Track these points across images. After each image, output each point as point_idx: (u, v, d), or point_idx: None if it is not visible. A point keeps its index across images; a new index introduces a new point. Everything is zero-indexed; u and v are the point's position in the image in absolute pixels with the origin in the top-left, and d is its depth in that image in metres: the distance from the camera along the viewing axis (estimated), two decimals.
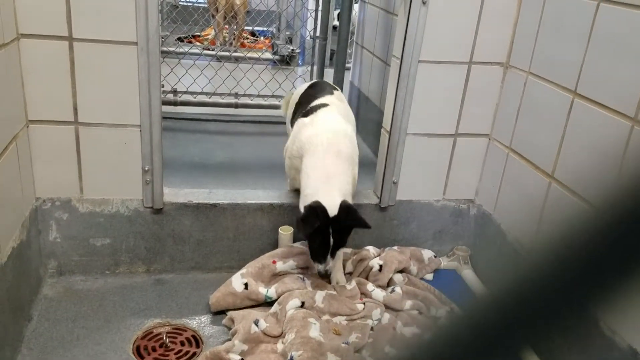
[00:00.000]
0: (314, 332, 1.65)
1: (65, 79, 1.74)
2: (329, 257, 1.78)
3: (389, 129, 2.06)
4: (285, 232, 2.02)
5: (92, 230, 1.92)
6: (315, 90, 2.18)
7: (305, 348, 1.57)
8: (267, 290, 1.85)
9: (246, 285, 1.85)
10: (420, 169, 2.12)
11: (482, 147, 2.14)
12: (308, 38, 4.61)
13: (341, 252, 1.91)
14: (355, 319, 1.80)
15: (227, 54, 4.11)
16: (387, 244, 2.17)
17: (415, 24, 1.91)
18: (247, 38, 5.45)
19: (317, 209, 1.73)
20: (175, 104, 3.31)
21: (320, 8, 3.69)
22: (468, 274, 2.17)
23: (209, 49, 4.43)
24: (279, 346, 1.65)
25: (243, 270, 1.90)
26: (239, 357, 1.59)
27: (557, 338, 0.33)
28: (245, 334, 1.66)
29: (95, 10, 1.68)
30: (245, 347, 1.63)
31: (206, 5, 5.03)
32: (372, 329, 1.78)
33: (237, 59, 3.87)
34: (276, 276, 1.91)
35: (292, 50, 4.69)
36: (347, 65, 3.32)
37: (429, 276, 2.12)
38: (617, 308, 0.31)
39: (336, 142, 1.85)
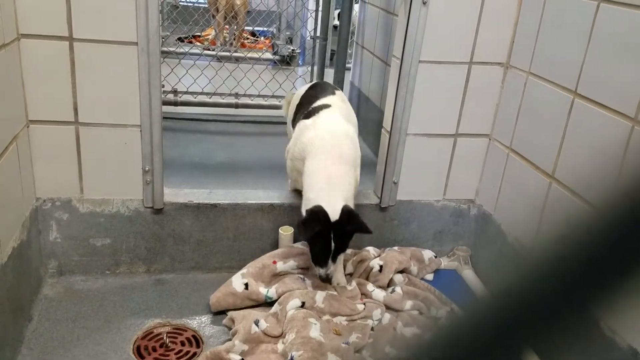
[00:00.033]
0: (315, 332, 1.65)
1: (66, 79, 1.74)
2: (330, 261, 1.77)
3: (389, 129, 2.06)
4: (286, 232, 2.02)
5: (93, 230, 1.92)
6: (316, 91, 2.16)
7: (306, 348, 1.57)
8: (268, 291, 1.85)
9: (246, 285, 1.85)
10: (420, 169, 2.12)
11: (483, 148, 2.14)
12: (308, 38, 4.61)
13: (342, 257, 1.90)
14: (355, 319, 1.80)
15: (227, 54, 4.11)
16: (388, 244, 2.17)
17: (415, 24, 1.91)
18: (248, 38, 5.45)
19: (318, 213, 1.72)
20: (175, 104, 3.31)
21: (320, 8, 3.69)
22: (468, 274, 2.17)
23: (209, 49, 4.43)
24: (280, 346, 1.65)
25: (243, 270, 1.90)
26: (240, 357, 1.59)
27: (557, 338, 0.33)
28: (245, 334, 1.66)
29: (95, 10, 1.68)
30: (245, 347, 1.63)
31: (206, 6, 5.03)
32: (372, 329, 1.78)
33: (237, 59, 3.86)
34: (277, 276, 1.91)
35: (293, 50, 4.70)
36: (347, 65, 3.32)
37: (430, 276, 2.12)
38: (618, 308, 0.31)
39: (338, 145, 1.85)
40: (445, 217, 2.21)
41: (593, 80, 1.60)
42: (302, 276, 1.91)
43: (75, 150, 1.82)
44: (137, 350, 1.65)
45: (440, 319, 1.89)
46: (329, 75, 3.35)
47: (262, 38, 5.49)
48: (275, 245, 2.06)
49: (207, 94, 3.40)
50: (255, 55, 4.16)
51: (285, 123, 2.47)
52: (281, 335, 1.70)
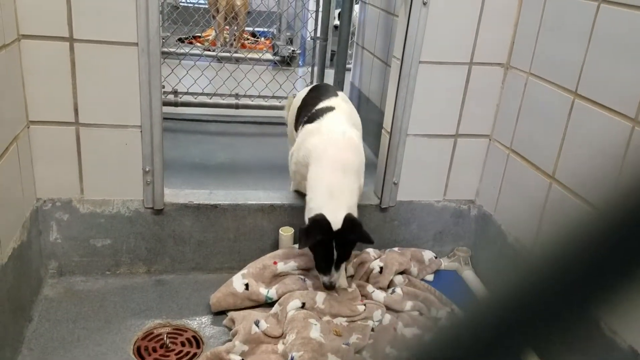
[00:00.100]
0: (315, 332, 1.64)
1: (66, 79, 1.74)
2: (333, 269, 1.77)
3: (389, 130, 2.06)
4: (286, 233, 2.02)
5: (93, 231, 1.92)
6: (318, 93, 2.14)
7: (306, 349, 1.57)
8: (268, 291, 1.85)
9: (247, 285, 1.85)
10: (420, 170, 2.12)
11: (483, 148, 2.14)
12: (309, 39, 4.61)
13: (345, 266, 1.89)
14: (356, 320, 1.80)
15: (227, 54, 4.11)
16: (388, 245, 2.17)
17: (415, 25, 1.91)
18: (248, 39, 5.46)
19: (320, 222, 1.72)
20: (176, 104, 3.31)
21: (320, 9, 3.69)
22: (469, 274, 2.16)
23: (209, 50, 4.43)
24: (280, 347, 1.65)
25: (244, 271, 1.90)
26: (240, 358, 1.59)
27: (558, 339, 0.32)
28: (245, 334, 1.66)
29: (96, 11, 1.68)
30: (245, 347, 1.63)
31: (207, 6, 5.03)
32: (372, 329, 1.78)
33: (237, 60, 3.87)
34: (277, 277, 1.91)
35: (293, 51, 4.70)
36: (347, 66, 3.32)
37: (430, 277, 2.12)
38: (618, 309, 0.31)
39: (342, 152, 1.83)
40: (445, 217, 2.21)
41: (593, 81, 1.60)
42: (302, 277, 1.91)
43: (75, 150, 1.82)
44: (137, 351, 1.65)
45: (441, 320, 1.89)
46: (329, 76, 3.35)
47: (263, 39, 5.49)
48: (275, 246, 2.06)
49: (207, 94, 3.40)
50: (255, 56, 4.16)
51: (285, 124, 2.47)
52: (281, 336, 1.70)
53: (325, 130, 1.89)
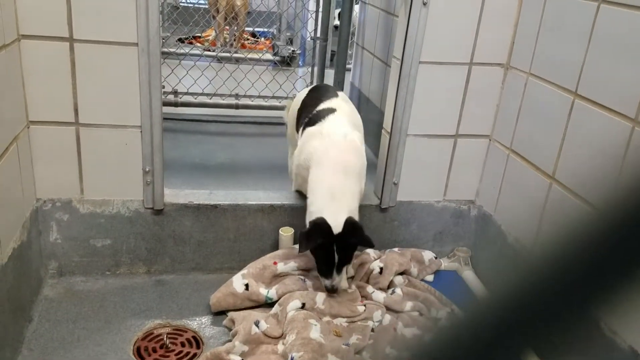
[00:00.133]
0: (315, 333, 1.64)
1: (66, 79, 1.74)
2: (335, 273, 1.77)
3: (389, 130, 2.06)
4: (286, 233, 2.02)
5: (93, 231, 1.92)
6: (318, 94, 2.13)
7: (306, 349, 1.57)
8: (268, 291, 1.85)
9: (247, 285, 1.85)
10: (420, 170, 2.12)
11: (483, 148, 2.14)
12: (309, 39, 4.61)
13: (346, 268, 1.88)
14: (356, 321, 1.80)
15: (227, 55, 4.11)
16: (388, 245, 2.17)
17: (415, 25, 1.91)
18: (248, 39, 5.46)
19: (321, 225, 1.72)
20: (176, 105, 3.31)
21: (320, 9, 3.69)
22: (469, 275, 2.16)
23: (209, 50, 4.43)
24: (280, 347, 1.65)
25: (244, 271, 1.90)
26: (240, 358, 1.59)
27: (558, 339, 0.32)
28: (245, 334, 1.66)
29: (96, 11, 1.68)
30: (245, 348, 1.63)
31: (207, 7, 5.04)
32: (372, 330, 1.78)
33: (237, 60, 3.87)
34: (277, 277, 1.91)
35: (293, 51, 4.70)
36: (347, 66, 3.32)
37: (430, 277, 2.11)
38: (618, 309, 0.31)
39: (343, 156, 1.83)
40: (445, 217, 2.21)
41: (593, 81, 1.60)
42: (302, 277, 1.91)
43: (75, 151, 1.82)
44: (137, 351, 1.65)
45: (441, 320, 1.89)
46: (329, 76, 3.35)
47: (263, 39, 5.50)
48: (275, 246, 2.06)
49: (207, 94, 3.40)
50: (255, 56, 4.16)
51: (285, 124, 2.47)
52: (281, 336, 1.70)
53: (326, 133, 1.88)
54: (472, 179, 2.18)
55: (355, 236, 1.74)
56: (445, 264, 2.20)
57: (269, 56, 4.59)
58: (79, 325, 1.73)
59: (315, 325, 1.68)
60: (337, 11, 3.73)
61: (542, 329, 0.32)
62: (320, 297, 1.82)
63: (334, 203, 1.75)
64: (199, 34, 5.22)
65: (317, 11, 3.94)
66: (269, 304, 1.84)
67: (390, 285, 1.98)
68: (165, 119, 1.89)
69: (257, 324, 1.70)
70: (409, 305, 1.88)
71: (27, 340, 1.64)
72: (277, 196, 2.10)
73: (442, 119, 2.07)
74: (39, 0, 1.64)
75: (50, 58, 1.70)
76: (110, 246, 1.95)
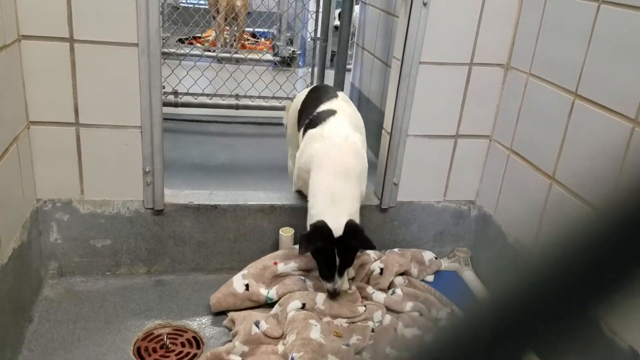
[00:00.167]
0: (315, 333, 1.64)
1: (66, 80, 1.74)
2: (336, 276, 1.77)
3: (389, 130, 2.06)
4: (286, 233, 2.02)
5: (93, 232, 1.92)
6: (318, 94, 2.12)
7: (306, 349, 1.57)
8: (268, 292, 1.85)
9: (247, 286, 1.85)
10: (421, 170, 2.12)
11: (483, 149, 2.14)
12: (309, 39, 4.61)
13: (347, 271, 1.88)
14: (356, 321, 1.80)
15: (227, 55, 4.12)
16: (388, 245, 2.17)
17: (416, 26, 1.91)
18: (248, 39, 5.46)
19: (322, 228, 1.71)
20: (176, 105, 3.31)
21: (320, 9, 3.69)
22: (469, 275, 2.16)
23: (209, 51, 4.44)
24: (280, 347, 1.65)
25: (244, 271, 1.90)
26: (240, 359, 1.59)
27: (558, 339, 0.32)
28: (246, 335, 1.66)
29: (96, 11, 1.69)
30: (246, 348, 1.63)
31: (207, 7, 5.04)
32: (372, 330, 1.78)
33: (237, 61, 3.87)
34: (277, 277, 1.91)
35: (293, 51, 4.70)
36: (347, 66, 3.32)
37: (430, 278, 2.11)
38: (618, 310, 0.31)
39: (344, 159, 1.82)
40: (445, 218, 2.21)
41: (593, 82, 1.60)
42: (302, 278, 1.91)
43: (75, 151, 1.82)
44: (138, 352, 1.65)
45: (441, 320, 1.89)
46: (330, 77, 3.35)
47: (263, 39, 5.50)
48: (275, 246, 2.06)
49: (207, 95, 3.40)
50: (255, 56, 4.16)
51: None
52: (281, 337, 1.70)
53: (327, 135, 1.87)
54: (472, 180, 2.18)
55: (356, 239, 1.74)
56: (445, 264, 2.20)
57: (269, 57, 4.59)
58: (79, 325, 1.73)
59: (316, 325, 1.68)
60: (337, 11, 3.73)
61: (542, 330, 0.32)
62: (321, 297, 1.82)
63: (335, 206, 1.75)
64: (199, 35, 5.23)
65: (317, 11, 3.95)
66: (269, 304, 1.84)
67: (391, 285, 1.98)
68: (165, 119, 1.89)
69: (257, 324, 1.70)
70: (409, 305, 1.88)
71: (27, 341, 1.64)
72: (277, 196, 2.10)
73: (443, 120, 2.07)
74: (39, 1, 1.64)
75: (51, 58, 1.70)
76: (110, 246, 1.95)
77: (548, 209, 1.77)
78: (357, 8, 3.49)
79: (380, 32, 2.90)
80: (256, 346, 1.66)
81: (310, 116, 1.99)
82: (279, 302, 1.81)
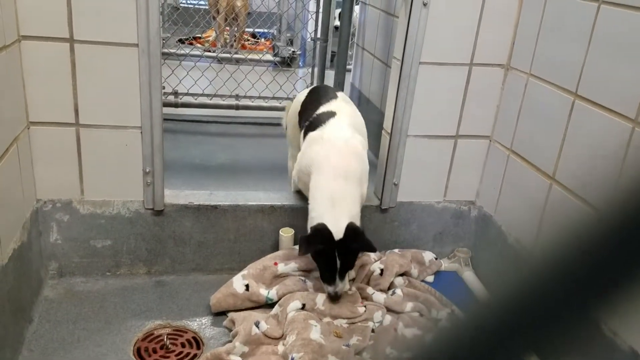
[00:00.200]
0: (315, 334, 1.64)
1: (66, 80, 1.74)
2: (337, 279, 1.77)
3: (389, 131, 2.06)
4: (286, 234, 2.02)
5: (93, 232, 1.92)
6: (318, 95, 2.11)
7: (306, 350, 1.57)
8: (268, 292, 1.85)
9: (247, 286, 1.85)
10: (421, 171, 2.12)
11: (483, 149, 2.14)
12: (309, 40, 4.61)
13: (348, 273, 1.88)
14: (356, 322, 1.80)
15: (228, 55, 4.12)
16: (388, 246, 2.17)
17: (416, 26, 1.91)
18: (248, 40, 5.46)
19: (322, 231, 1.71)
20: (176, 105, 3.31)
21: (321, 10, 3.69)
22: (469, 275, 2.16)
23: (209, 51, 4.44)
24: (280, 348, 1.65)
25: (244, 272, 1.90)
26: (240, 359, 1.59)
27: (558, 340, 0.32)
28: (246, 335, 1.66)
29: (96, 12, 1.69)
30: (246, 348, 1.63)
31: (207, 7, 5.04)
32: (373, 331, 1.78)
33: (238, 61, 3.87)
34: (277, 278, 1.91)
35: (293, 52, 4.70)
36: (347, 67, 3.32)
37: (430, 278, 2.11)
38: (619, 310, 0.31)
39: (345, 161, 1.81)
40: (445, 218, 2.21)
41: (593, 82, 1.60)
42: (303, 278, 1.91)
43: (75, 151, 1.82)
44: (138, 352, 1.65)
45: (441, 321, 1.89)
46: (330, 77, 3.35)
47: (263, 40, 5.50)
48: (275, 246, 2.06)
49: (207, 95, 3.40)
50: (255, 56, 4.16)
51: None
52: (282, 337, 1.69)
53: (327, 137, 1.86)
54: (472, 180, 2.18)
55: (356, 242, 1.74)
56: (445, 264, 2.20)
57: (269, 57, 4.59)
58: (79, 326, 1.73)
59: (316, 326, 1.68)
60: (337, 12, 3.73)
61: (543, 331, 0.32)
62: (321, 298, 1.82)
63: (335, 209, 1.74)
64: (199, 35, 5.23)
65: (317, 12, 3.94)
66: (269, 304, 1.84)
67: (391, 286, 1.98)
68: (165, 119, 1.89)
69: (257, 324, 1.70)
70: (409, 306, 1.87)
71: (28, 341, 1.64)
72: (277, 197, 2.10)
73: (443, 120, 2.07)
74: (40, 1, 1.64)
75: (51, 59, 1.70)
76: (110, 247, 1.95)
77: (548, 210, 1.77)
78: (357, 8, 3.49)
79: (381, 33, 2.90)
80: (256, 346, 1.66)
81: (310, 118, 1.98)
82: (279, 302, 1.81)
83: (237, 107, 3.40)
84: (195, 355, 1.66)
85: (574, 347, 0.32)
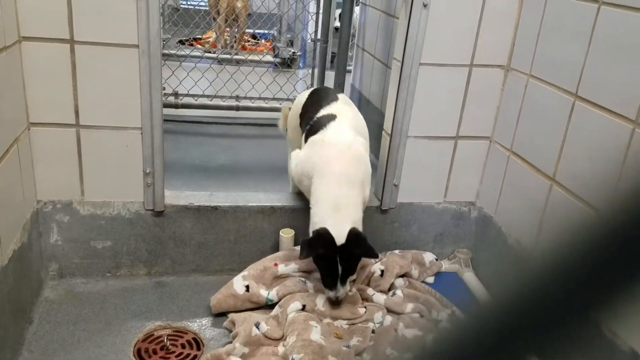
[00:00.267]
0: (315, 335, 1.64)
1: (67, 81, 1.74)
2: (339, 284, 1.76)
3: (390, 132, 2.06)
4: (286, 234, 2.02)
5: (93, 233, 1.92)
6: (319, 98, 2.09)
7: (306, 351, 1.57)
8: (269, 293, 1.85)
9: (247, 287, 1.85)
10: (421, 172, 2.12)
11: (483, 150, 2.14)
12: (309, 41, 4.61)
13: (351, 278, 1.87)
14: (356, 323, 1.80)
15: (228, 56, 4.12)
16: (388, 247, 2.17)
17: (416, 27, 1.91)
18: (248, 41, 5.46)
19: (324, 236, 1.71)
20: (176, 106, 3.31)
21: (321, 11, 3.70)
22: (469, 276, 2.16)
23: (210, 52, 4.44)
24: (280, 349, 1.65)
25: (245, 273, 1.90)
26: None
27: (558, 341, 0.32)
28: (246, 336, 1.66)
29: (96, 13, 1.69)
30: (246, 349, 1.63)
31: (207, 8, 5.04)
32: (373, 331, 1.78)
33: (238, 62, 3.87)
34: (278, 279, 1.91)
35: (293, 52, 4.70)
36: (348, 67, 3.32)
37: (430, 279, 2.11)
38: (620, 311, 0.31)
39: (347, 166, 1.80)
40: (445, 219, 2.21)
41: (594, 83, 1.60)
42: (303, 279, 1.91)
43: (76, 152, 1.82)
44: (138, 353, 1.65)
45: (441, 322, 1.89)
46: (330, 78, 3.35)
47: (263, 40, 5.50)
48: (275, 247, 2.06)
49: (208, 96, 3.40)
50: (256, 57, 4.16)
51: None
52: (282, 338, 1.69)
53: (329, 141, 1.85)
54: (472, 181, 2.18)
55: (358, 247, 1.73)
56: (445, 265, 2.20)
57: (269, 58, 4.60)
58: (79, 326, 1.73)
59: (316, 327, 1.68)
60: (338, 13, 3.73)
61: (543, 332, 0.32)
62: (321, 299, 1.82)
63: (338, 214, 1.74)
64: (200, 36, 5.23)
65: (317, 13, 3.95)
66: (269, 305, 1.84)
67: (391, 287, 1.98)
68: (165, 120, 1.89)
69: (257, 325, 1.70)
70: (409, 307, 1.87)
71: (28, 342, 1.64)
72: (277, 198, 2.10)
73: (443, 121, 2.07)
74: (40, 2, 1.64)
75: (51, 60, 1.70)
76: (110, 248, 1.95)
77: (548, 211, 1.77)
78: (357, 9, 3.49)
79: (381, 34, 2.91)
80: (256, 347, 1.66)
81: (311, 121, 1.97)
82: (280, 303, 1.81)
83: (238, 108, 3.40)
84: (195, 356, 1.66)
85: (574, 349, 0.32)
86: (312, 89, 2.31)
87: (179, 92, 3.32)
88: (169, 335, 1.73)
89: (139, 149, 1.85)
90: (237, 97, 3.40)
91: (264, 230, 2.06)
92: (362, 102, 3.19)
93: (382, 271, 1.99)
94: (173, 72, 3.23)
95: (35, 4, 1.64)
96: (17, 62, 1.65)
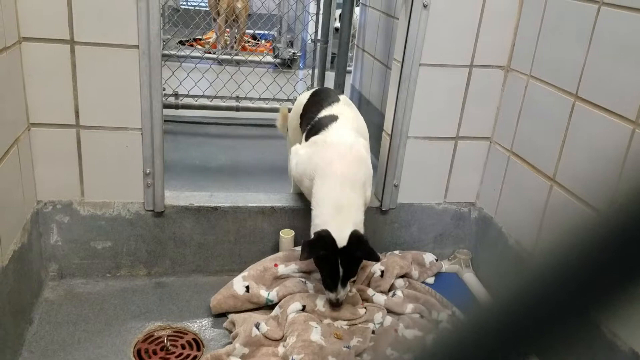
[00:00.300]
0: (315, 335, 1.64)
1: (67, 82, 1.74)
2: (339, 286, 1.76)
3: (390, 132, 2.06)
4: (286, 235, 2.02)
5: (93, 233, 1.92)
6: (320, 99, 2.09)
7: (307, 351, 1.57)
8: (269, 293, 1.84)
9: (247, 288, 1.85)
10: (421, 172, 2.12)
11: (483, 150, 2.14)
12: (309, 41, 4.62)
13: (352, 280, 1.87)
14: (356, 323, 1.80)
15: (228, 57, 4.12)
16: (388, 247, 2.17)
17: (416, 27, 1.91)
18: (249, 41, 5.46)
19: (325, 238, 1.71)
20: (176, 107, 3.31)
21: (321, 11, 3.70)
22: (469, 277, 2.16)
23: (210, 53, 4.44)
24: (280, 349, 1.65)
25: (245, 273, 1.90)
26: None
27: (559, 341, 0.32)
28: (246, 337, 1.66)
29: (96, 13, 1.69)
30: (246, 350, 1.63)
31: (207, 9, 5.04)
32: (373, 332, 1.78)
33: (238, 62, 3.87)
34: (278, 279, 1.91)
35: (294, 53, 4.70)
36: (348, 68, 3.32)
37: (430, 280, 2.11)
38: (620, 312, 0.31)
39: (348, 168, 1.80)
40: (446, 220, 2.21)
41: (594, 83, 1.60)
42: (303, 279, 1.91)
43: (76, 153, 1.82)
44: (138, 354, 1.65)
45: (442, 322, 1.89)
46: (330, 79, 3.35)
47: (263, 41, 5.50)
48: (275, 248, 2.06)
49: (208, 97, 3.41)
50: (256, 58, 4.17)
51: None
52: (282, 339, 1.69)
53: (330, 143, 1.85)
54: (472, 181, 2.18)
55: (360, 250, 1.73)
56: (446, 266, 2.20)
57: (269, 58, 4.60)
58: (79, 327, 1.73)
59: (316, 327, 1.68)
60: (338, 13, 3.73)
61: (543, 332, 0.32)
62: (321, 299, 1.81)
63: (339, 216, 1.74)
64: (200, 37, 5.23)
65: (317, 13, 3.95)
66: (269, 306, 1.84)
67: (391, 288, 1.98)
68: (165, 121, 1.89)
69: (257, 326, 1.70)
70: (409, 307, 1.87)
71: (28, 343, 1.64)
72: (277, 198, 2.10)
73: (443, 121, 2.07)
74: (40, 3, 1.64)
75: (51, 60, 1.71)
76: (110, 248, 1.95)
77: (549, 211, 1.77)
78: (357, 10, 3.49)
79: (381, 34, 2.91)
80: (256, 348, 1.66)
81: (312, 122, 1.97)
82: (280, 304, 1.81)
83: (238, 109, 3.40)
84: (195, 356, 1.66)
85: (574, 349, 0.32)
86: (313, 89, 2.31)
87: (179, 93, 3.32)
88: (169, 335, 1.73)
89: (139, 150, 1.85)
90: (237, 98, 3.41)
91: (264, 230, 2.06)
92: (362, 103, 3.19)
93: (382, 272, 1.99)
94: (173, 73, 3.23)
95: (36, 4, 1.64)
96: (17, 62, 1.65)
